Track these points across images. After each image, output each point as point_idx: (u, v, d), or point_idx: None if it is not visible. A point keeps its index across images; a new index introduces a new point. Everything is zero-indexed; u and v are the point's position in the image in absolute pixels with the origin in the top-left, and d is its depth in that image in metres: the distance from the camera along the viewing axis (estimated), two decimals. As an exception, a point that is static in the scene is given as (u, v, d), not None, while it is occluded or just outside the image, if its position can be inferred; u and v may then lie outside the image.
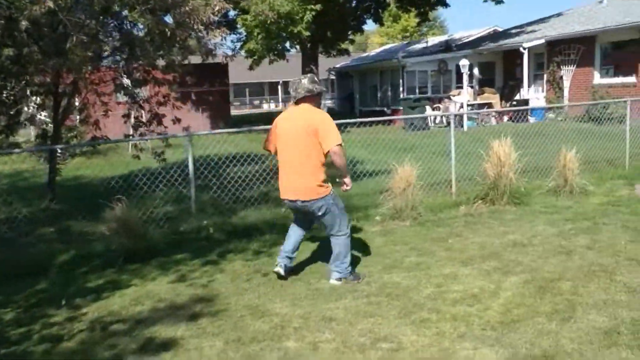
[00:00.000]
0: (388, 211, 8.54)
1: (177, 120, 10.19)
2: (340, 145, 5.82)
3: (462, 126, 20.98)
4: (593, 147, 11.82)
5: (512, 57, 26.10)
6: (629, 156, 11.41)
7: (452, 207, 9.06)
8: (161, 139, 10.03)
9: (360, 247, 7.35)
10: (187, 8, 8.78)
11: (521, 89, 25.80)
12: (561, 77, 24.40)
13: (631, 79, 21.74)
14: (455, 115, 21.68)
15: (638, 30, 21.34)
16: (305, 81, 6.02)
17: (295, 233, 6.46)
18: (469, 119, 22.03)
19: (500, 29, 33.95)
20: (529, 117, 22.22)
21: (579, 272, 6.08)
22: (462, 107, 23.45)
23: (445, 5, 29.53)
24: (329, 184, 6.00)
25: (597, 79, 23.32)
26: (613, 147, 11.94)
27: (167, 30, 8.77)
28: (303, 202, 5.99)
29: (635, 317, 4.93)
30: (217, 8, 9.15)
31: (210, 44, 9.87)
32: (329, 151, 5.78)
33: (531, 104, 24.69)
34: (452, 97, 24.82)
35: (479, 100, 25.39)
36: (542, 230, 7.74)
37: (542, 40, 24.56)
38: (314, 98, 6.03)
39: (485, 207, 8.97)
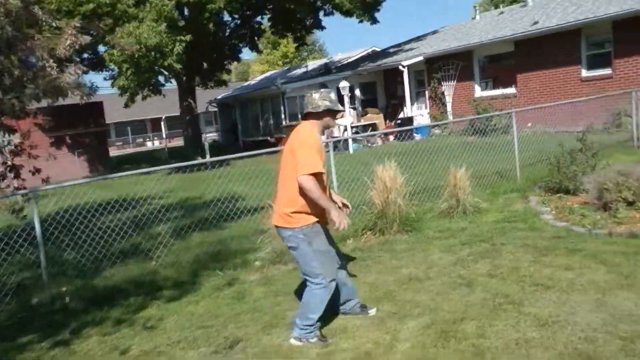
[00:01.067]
0: (268, 255, 7.56)
1: (36, 171, 8.82)
2: (312, 174, 4.79)
3: (347, 149, 20.44)
4: (482, 160, 11.34)
5: (393, 75, 25.97)
6: (519, 167, 10.94)
7: (339, 241, 8.16)
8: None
9: (236, 301, 6.34)
10: (30, 43, 7.58)
11: (404, 107, 25.61)
12: (443, 93, 24.45)
13: (511, 90, 22.00)
14: (336, 139, 21.39)
15: (512, 43, 21.67)
16: (316, 95, 5.16)
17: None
18: (354, 141, 21.50)
19: (379, 49, 33.97)
20: (414, 134, 21.97)
21: (484, 308, 5.34)
22: (346, 129, 22.89)
23: (321, 27, 29.15)
24: (310, 218, 4.97)
25: (478, 92, 23.55)
26: (502, 159, 11.50)
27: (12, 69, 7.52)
28: (276, 227, 5.19)
29: (552, 358, 4.28)
30: (67, 42, 7.95)
31: (65, 82, 8.62)
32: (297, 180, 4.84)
33: (415, 121, 24.56)
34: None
35: (363, 122, 24.93)
36: (437, 260, 6.98)
37: (421, 58, 24.52)
38: (318, 115, 5.13)
39: (374, 239, 8.16)
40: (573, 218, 8.11)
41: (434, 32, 30.20)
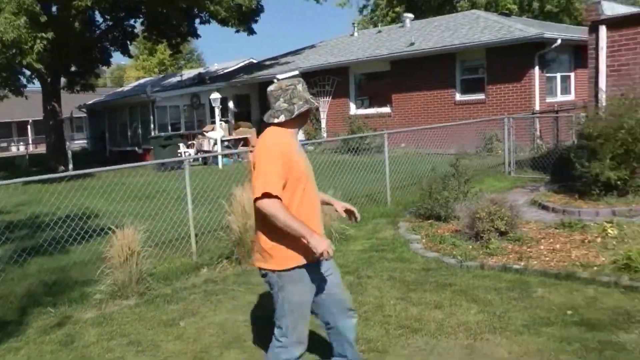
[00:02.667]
0: (109, 288, 6.56)
1: None
2: (269, 195, 3.51)
3: (217, 164, 19.56)
4: (352, 181, 10.82)
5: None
6: (390, 190, 10.49)
7: (192, 272, 7.30)
8: None
9: (62, 347, 5.35)
10: None
11: (278, 122, 24.87)
12: (318, 109, 24.01)
13: (386, 110, 21.90)
14: (194, 156, 20.47)
15: (389, 63, 21.59)
16: (281, 102, 3.81)
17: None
18: (225, 155, 20.61)
19: (256, 61, 33.27)
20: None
21: (342, 359, 4.64)
22: (216, 143, 21.91)
23: (197, 36, 28.01)
24: (290, 257, 3.69)
25: (353, 109, 23.29)
26: (373, 179, 11.03)
27: None
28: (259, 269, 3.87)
29: None
30: None
31: None
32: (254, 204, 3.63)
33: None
34: (205, 133, 23.10)
35: (234, 135, 23.95)
36: (298, 295, 6.26)
37: (296, 72, 24.00)
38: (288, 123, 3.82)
39: (231, 269, 7.33)
40: (444, 248, 7.68)
41: (312, 47, 29.84)
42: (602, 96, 10.74)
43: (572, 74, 20.20)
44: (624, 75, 10.75)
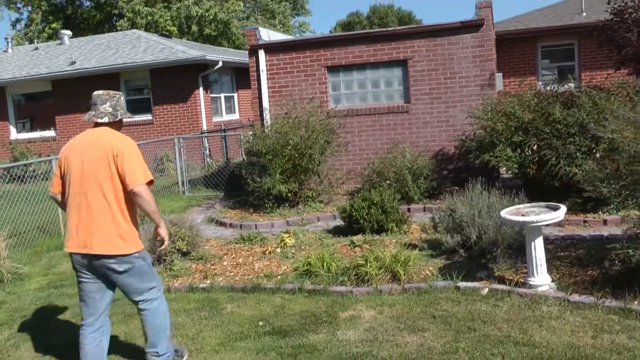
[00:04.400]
0: None
1: None
2: (149, 183, 4.29)
3: None
4: (22, 212, 9.92)
5: None
6: (62, 219, 9.82)
7: None
8: None
9: None
10: None
11: None
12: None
13: (50, 133, 20.57)
14: None
15: (50, 82, 20.29)
16: (107, 105, 4.47)
17: None
18: None
19: None
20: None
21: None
22: None
23: None
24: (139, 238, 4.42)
25: (14, 133, 21.44)
26: (43, 210, 10.26)
27: None
28: (94, 256, 4.25)
29: None
30: None
31: None
32: (132, 191, 4.18)
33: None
34: None
35: None
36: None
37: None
38: (117, 124, 4.54)
39: None
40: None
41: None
42: (267, 115, 11.43)
43: (235, 95, 21.17)
44: (285, 95, 11.58)
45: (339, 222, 9.11)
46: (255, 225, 9.54)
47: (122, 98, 4.58)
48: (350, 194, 11.26)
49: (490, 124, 9.61)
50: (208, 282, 6.84)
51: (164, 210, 10.77)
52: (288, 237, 8.00)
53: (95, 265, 4.26)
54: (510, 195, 7.24)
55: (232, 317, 5.74)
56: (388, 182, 10.21)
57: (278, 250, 7.79)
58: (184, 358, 4.83)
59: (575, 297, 5.43)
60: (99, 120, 4.38)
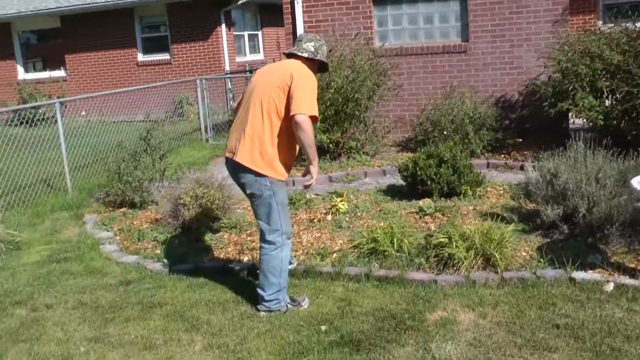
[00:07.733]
0: None
1: None
2: (312, 119, 4.14)
3: None
4: (26, 162, 8.55)
5: None
6: (69, 173, 8.42)
7: None
8: None
9: None
10: None
11: None
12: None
13: (61, 73, 19.05)
14: None
15: (57, 18, 18.65)
16: (310, 44, 4.48)
17: None
18: None
19: None
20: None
21: None
22: None
23: None
24: (280, 170, 4.30)
25: (22, 73, 19.94)
26: (49, 159, 8.90)
27: None
28: (238, 164, 4.29)
29: None
30: None
31: None
32: (294, 117, 4.07)
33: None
34: None
35: None
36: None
37: None
38: (314, 62, 4.49)
39: None
40: (144, 247, 6.10)
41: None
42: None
43: (260, 33, 19.50)
44: (323, 32, 10.06)
45: (391, 178, 7.78)
46: (293, 181, 8.09)
47: (325, 47, 4.58)
48: (397, 144, 9.89)
49: (570, 65, 8.09)
50: (246, 259, 5.48)
51: (185, 162, 9.38)
52: (341, 201, 6.48)
53: (237, 174, 4.35)
54: (592, 151, 5.73)
55: (283, 316, 4.36)
56: (445, 132, 8.77)
57: (329, 217, 6.28)
58: (304, 305, 4.48)
59: None
60: (299, 54, 4.41)
